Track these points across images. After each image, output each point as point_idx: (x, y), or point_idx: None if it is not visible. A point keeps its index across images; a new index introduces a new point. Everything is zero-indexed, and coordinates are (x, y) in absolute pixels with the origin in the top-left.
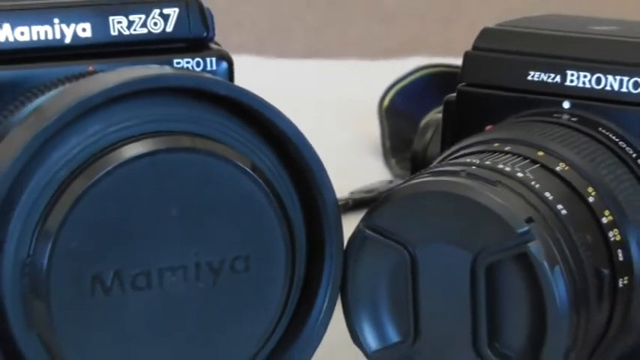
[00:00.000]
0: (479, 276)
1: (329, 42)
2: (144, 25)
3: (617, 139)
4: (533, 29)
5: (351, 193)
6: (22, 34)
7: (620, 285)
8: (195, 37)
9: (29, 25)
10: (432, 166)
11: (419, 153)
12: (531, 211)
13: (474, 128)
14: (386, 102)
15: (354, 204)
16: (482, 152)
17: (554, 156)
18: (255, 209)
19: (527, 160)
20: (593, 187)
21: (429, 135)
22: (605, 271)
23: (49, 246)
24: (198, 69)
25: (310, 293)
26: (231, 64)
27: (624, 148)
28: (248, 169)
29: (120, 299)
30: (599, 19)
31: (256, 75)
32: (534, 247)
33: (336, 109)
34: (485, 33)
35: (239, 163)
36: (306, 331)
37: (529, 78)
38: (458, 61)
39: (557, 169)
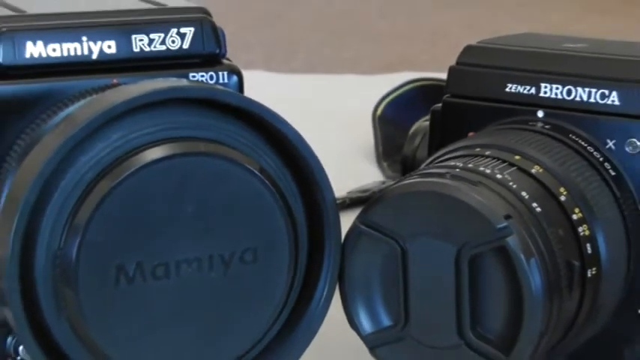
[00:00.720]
0: (462, 267)
1: (327, 59)
2: (163, 42)
3: (585, 145)
4: (510, 46)
5: (348, 192)
6: (54, 50)
7: (589, 275)
8: (209, 53)
9: (60, 43)
10: (420, 168)
11: (408, 157)
12: (509, 208)
13: (458, 135)
14: (378, 112)
15: (351, 202)
16: (465, 156)
17: (529, 160)
18: (263, 207)
19: (506, 164)
20: (564, 188)
21: (417, 141)
22: (576, 263)
23: (78, 239)
24: (211, 82)
25: (311, 282)
26: (241, 77)
27: (592, 152)
28: (256, 171)
29: (141, 287)
30: (571, 37)
31: (263, 88)
32: (512, 241)
33: (334, 118)
34: (468, 50)
35: (248, 166)
36: (308, 315)
37: (507, 90)
38: (443, 76)
39: (533, 171)
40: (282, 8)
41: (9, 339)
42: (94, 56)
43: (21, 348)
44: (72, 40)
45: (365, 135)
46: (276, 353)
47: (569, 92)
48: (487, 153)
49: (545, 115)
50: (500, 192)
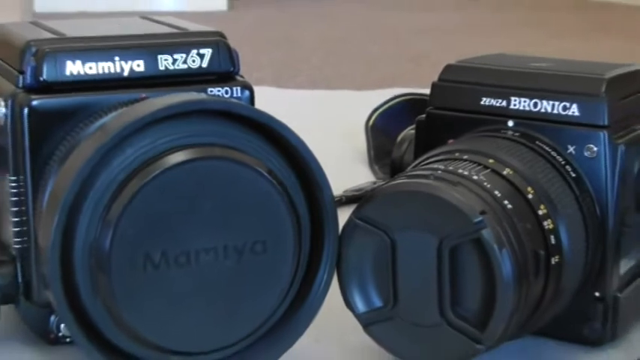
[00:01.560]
0: (444, 256)
1: (328, 77)
2: (185, 61)
3: (550, 150)
4: (485, 65)
5: (344, 191)
6: (91, 68)
7: (553, 263)
8: (225, 71)
9: (96, 62)
10: (407, 170)
11: (397, 161)
12: (484, 205)
13: (439, 142)
14: (371, 122)
15: (347, 200)
16: (446, 160)
17: (501, 163)
18: (271, 204)
19: (481, 166)
20: (531, 187)
21: (404, 147)
22: (541, 252)
23: (111, 232)
24: (226, 96)
25: (313, 268)
26: (252, 92)
27: (555, 157)
28: (265, 173)
29: (165, 273)
30: (537, 57)
31: (272, 101)
32: (486, 233)
33: (333, 127)
34: (448, 68)
35: (258, 168)
36: (310, 297)
37: (482, 103)
38: (426, 91)
39: (504, 173)
40: (289, 33)
41: (52, 318)
42: (125, 74)
43: (62, 325)
44: (106, 60)
45: (359, 142)
46: (283, 330)
47: (535, 105)
48: (465, 157)
49: (515, 124)
50: (476, 191)
